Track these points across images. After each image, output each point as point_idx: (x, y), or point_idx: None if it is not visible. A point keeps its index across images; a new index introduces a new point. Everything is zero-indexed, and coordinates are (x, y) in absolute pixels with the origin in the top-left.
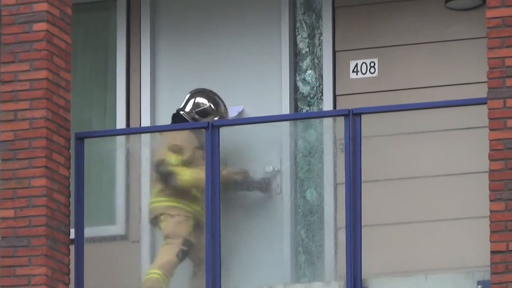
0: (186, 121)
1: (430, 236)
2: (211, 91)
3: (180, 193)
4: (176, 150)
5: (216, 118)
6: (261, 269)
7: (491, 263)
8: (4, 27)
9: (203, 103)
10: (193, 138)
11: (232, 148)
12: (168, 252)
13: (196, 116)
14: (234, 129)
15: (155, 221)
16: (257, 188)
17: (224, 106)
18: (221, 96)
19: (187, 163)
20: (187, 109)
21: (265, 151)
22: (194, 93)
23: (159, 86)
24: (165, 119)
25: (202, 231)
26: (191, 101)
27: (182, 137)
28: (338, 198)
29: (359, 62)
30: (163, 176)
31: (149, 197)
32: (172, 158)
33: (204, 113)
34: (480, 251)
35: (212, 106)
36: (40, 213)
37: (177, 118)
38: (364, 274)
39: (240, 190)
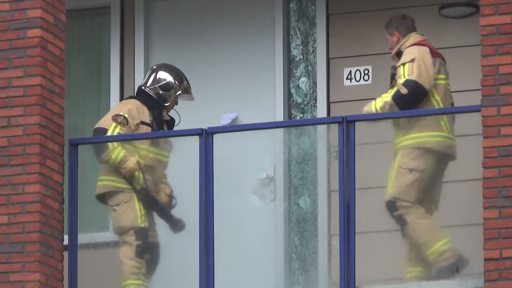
0: (151, 96)
1: None
2: (173, 66)
3: (116, 169)
4: (120, 121)
5: (179, 93)
6: (255, 276)
7: (485, 271)
8: None
9: (165, 78)
10: (144, 112)
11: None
12: (128, 256)
13: (160, 91)
14: (228, 136)
15: (99, 198)
16: (168, 221)
17: (187, 81)
18: (215, 103)
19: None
20: (149, 84)
21: (258, 158)
22: (156, 68)
23: None
24: None
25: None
26: (153, 76)
27: (130, 109)
28: (331, 205)
29: (353, 69)
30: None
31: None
32: (111, 130)
33: (168, 87)
34: (474, 258)
35: (175, 81)
36: (34, 219)
37: (141, 94)
38: (358, 281)
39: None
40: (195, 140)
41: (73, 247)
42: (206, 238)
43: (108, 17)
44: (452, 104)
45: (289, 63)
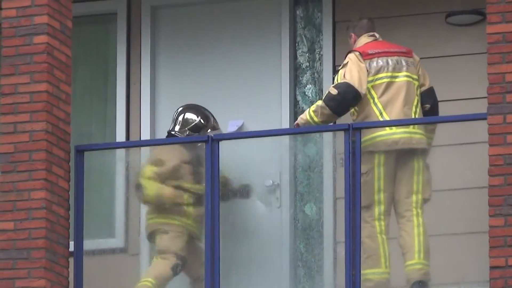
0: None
1: None
2: (198, 105)
3: (171, 209)
4: (157, 163)
5: (209, 131)
6: (261, 283)
7: (490, 279)
8: (5, 39)
9: (192, 119)
10: (182, 152)
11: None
12: (163, 265)
13: (189, 133)
14: (234, 143)
15: (150, 237)
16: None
17: (214, 118)
18: (221, 110)
19: (164, 177)
20: (178, 128)
21: (264, 165)
22: (181, 110)
23: (159, 99)
24: (165, 132)
25: (195, 247)
26: (180, 118)
27: (168, 151)
28: (337, 212)
29: None
30: (134, 188)
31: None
32: (148, 171)
33: (197, 128)
34: (479, 266)
35: (202, 121)
36: (40, 225)
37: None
38: None
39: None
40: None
41: (78, 254)
42: (212, 244)
43: (114, 23)
44: (434, 101)
45: (296, 71)
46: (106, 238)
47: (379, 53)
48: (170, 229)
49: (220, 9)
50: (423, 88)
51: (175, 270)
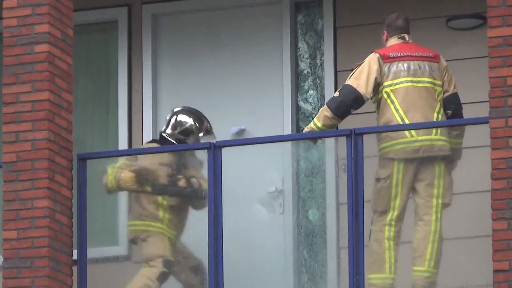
0: (171, 143)
1: None
2: (193, 108)
3: (145, 213)
4: (130, 158)
5: (201, 134)
6: None
7: (494, 282)
8: (6, 48)
9: (185, 121)
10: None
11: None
12: (150, 276)
13: (180, 136)
14: (236, 149)
15: (132, 242)
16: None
17: (208, 122)
18: (223, 116)
19: (141, 177)
20: (169, 130)
21: (267, 171)
22: (175, 112)
23: (160, 107)
24: None
25: (180, 250)
26: (172, 121)
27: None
28: (340, 218)
29: None
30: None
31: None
32: (119, 163)
33: (187, 131)
34: (483, 270)
35: (194, 124)
36: (43, 234)
37: (161, 140)
38: None
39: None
40: (204, 154)
41: (82, 262)
42: (215, 251)
43: (115, 31)
44: (457, 106)
45: (297, 77)
46: (109, 246)
47: (401, 57)
48: (148, 235)
49: (221, 16)
50: (447, 94)
51: (161, 279)
